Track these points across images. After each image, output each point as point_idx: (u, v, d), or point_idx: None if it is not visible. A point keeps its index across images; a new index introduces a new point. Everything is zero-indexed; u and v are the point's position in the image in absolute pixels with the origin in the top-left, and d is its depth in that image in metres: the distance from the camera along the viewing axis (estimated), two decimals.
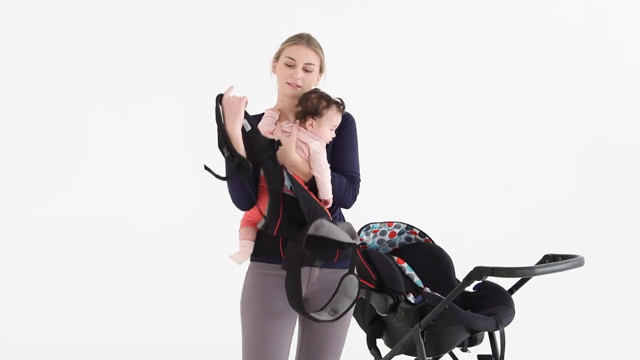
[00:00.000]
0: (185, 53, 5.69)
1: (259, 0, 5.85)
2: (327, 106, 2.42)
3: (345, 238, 2.35)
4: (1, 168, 5.45)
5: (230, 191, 2.39)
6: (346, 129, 2.50)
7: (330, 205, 2.42)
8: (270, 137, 2.37)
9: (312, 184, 2.40)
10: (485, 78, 6.14)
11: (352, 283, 2.36)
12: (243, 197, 2.37)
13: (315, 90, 2.48)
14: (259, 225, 2.39)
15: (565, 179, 6.18)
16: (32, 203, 5.45)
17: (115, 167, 5.62)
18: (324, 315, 2.31)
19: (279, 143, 2.30)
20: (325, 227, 2.31)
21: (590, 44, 6.33)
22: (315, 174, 2.39)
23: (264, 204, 2.36)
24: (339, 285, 2.36)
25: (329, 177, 2.39)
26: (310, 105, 2.42)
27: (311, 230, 2.27)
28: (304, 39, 2.48)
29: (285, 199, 2.35)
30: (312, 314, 2.28)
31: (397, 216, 3.36)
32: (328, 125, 2.43)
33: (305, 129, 2.42)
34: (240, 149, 2.28)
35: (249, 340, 2.40)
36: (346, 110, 2.49)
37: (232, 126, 2.28)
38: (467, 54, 6.14)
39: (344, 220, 2.53)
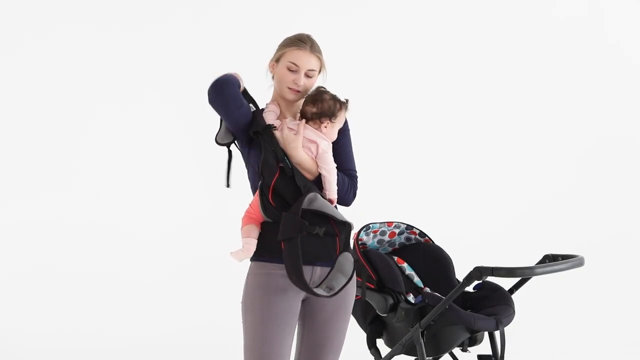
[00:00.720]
0: (185, 53, 5.69)
1: (259, 0, 5.85)
2: (340, 108, 2.44)
3: (339, 215, 2.36)
4: (2, 169, 5.44)
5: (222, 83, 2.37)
6: (342, 128, 2.51)
7: (334, 204, 2.43)
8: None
9: (316, 182, 2.41)
10: (485, 78, 6.13)
11: (348, 260, 2.36)
12: (237, 92, 2.38)
13: (326, 91, 2.48)
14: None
15: (565, 178, 6.18)
16: (33, 203, 5.45)
17: (115, 168, 5.61)
18: (320, 292, 2.31)
19: (272, 127, 2.37)
20: (319, 201, 2.33)
21: (590, 43, 6.32)
22: (323, 172, 2.40)
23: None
24: (334, 263, 2.35)
25: (336, 177, 2.41)
26: (327, 107, 2.42)
27: (305, 204, 2.28)
28: (307, 44, 2.46)
29: (284, 169, 2.36)
30: (313, 289, 2.27)
31: (397, 216, 3.36)
32: (338, 127, 2.46)
33: (320, 130, 2.42)
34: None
35: (251, 341, 2.40)
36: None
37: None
38: (468, 54, 6.14)
39: None
